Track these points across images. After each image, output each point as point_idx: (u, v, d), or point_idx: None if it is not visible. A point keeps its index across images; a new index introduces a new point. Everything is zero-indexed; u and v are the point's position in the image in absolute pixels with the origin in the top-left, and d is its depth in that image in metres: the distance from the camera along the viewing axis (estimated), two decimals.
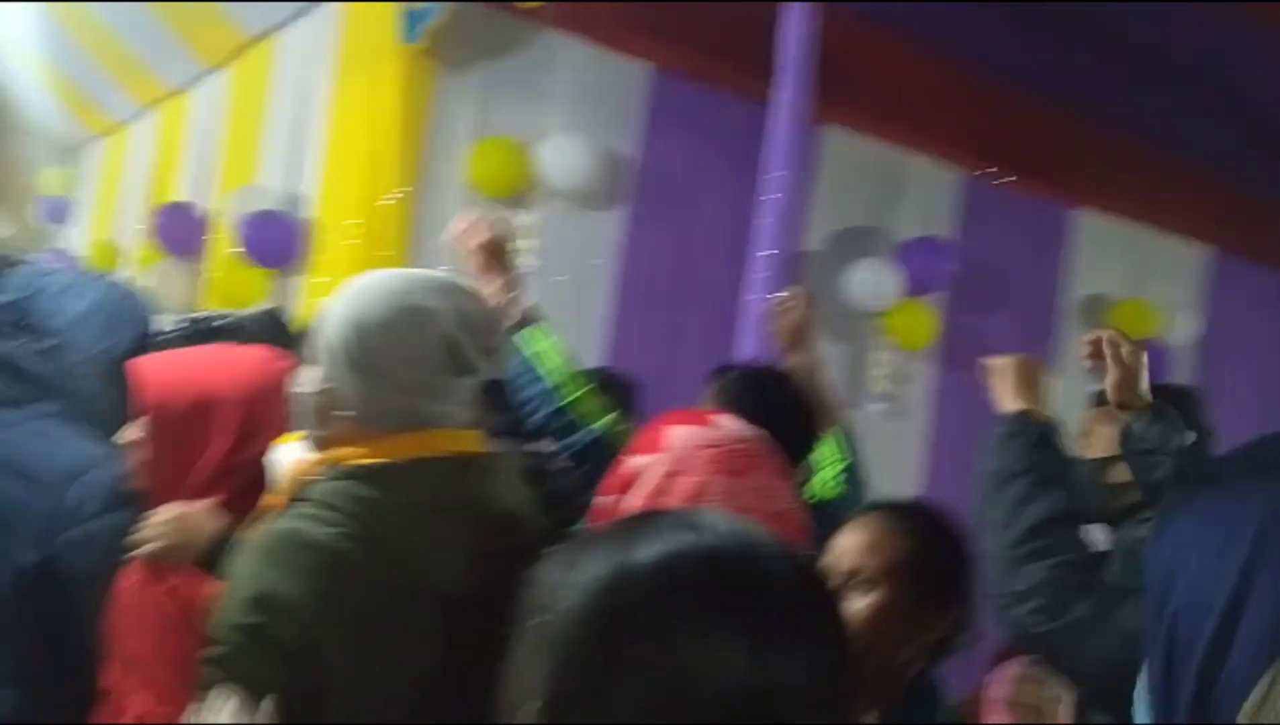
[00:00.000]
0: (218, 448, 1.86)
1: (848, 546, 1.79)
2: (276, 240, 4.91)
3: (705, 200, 5.16)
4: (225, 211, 5.55)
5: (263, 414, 1.89)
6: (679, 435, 1.63)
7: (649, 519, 0.92)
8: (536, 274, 4.69)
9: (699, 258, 5.12)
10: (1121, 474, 2.25)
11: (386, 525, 1.54)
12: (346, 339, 1.62)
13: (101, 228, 8.36)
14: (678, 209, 5.10)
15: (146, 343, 2.13)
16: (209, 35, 6.18)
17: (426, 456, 1.62)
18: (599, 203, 4.93)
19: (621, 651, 0.80)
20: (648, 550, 0.84)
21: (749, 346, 3.72)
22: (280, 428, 1.85)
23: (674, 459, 1.59)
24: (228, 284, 5.23)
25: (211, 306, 5.62)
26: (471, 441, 1.72)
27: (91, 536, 1.82)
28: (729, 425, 1.68)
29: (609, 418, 2.45)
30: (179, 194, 6.61)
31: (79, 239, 8.94)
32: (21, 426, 1.95)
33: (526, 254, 4.65)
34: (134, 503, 1.86)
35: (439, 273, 1.77)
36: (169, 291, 5.99)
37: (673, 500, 1.50)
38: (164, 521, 1.77)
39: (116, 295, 2.18)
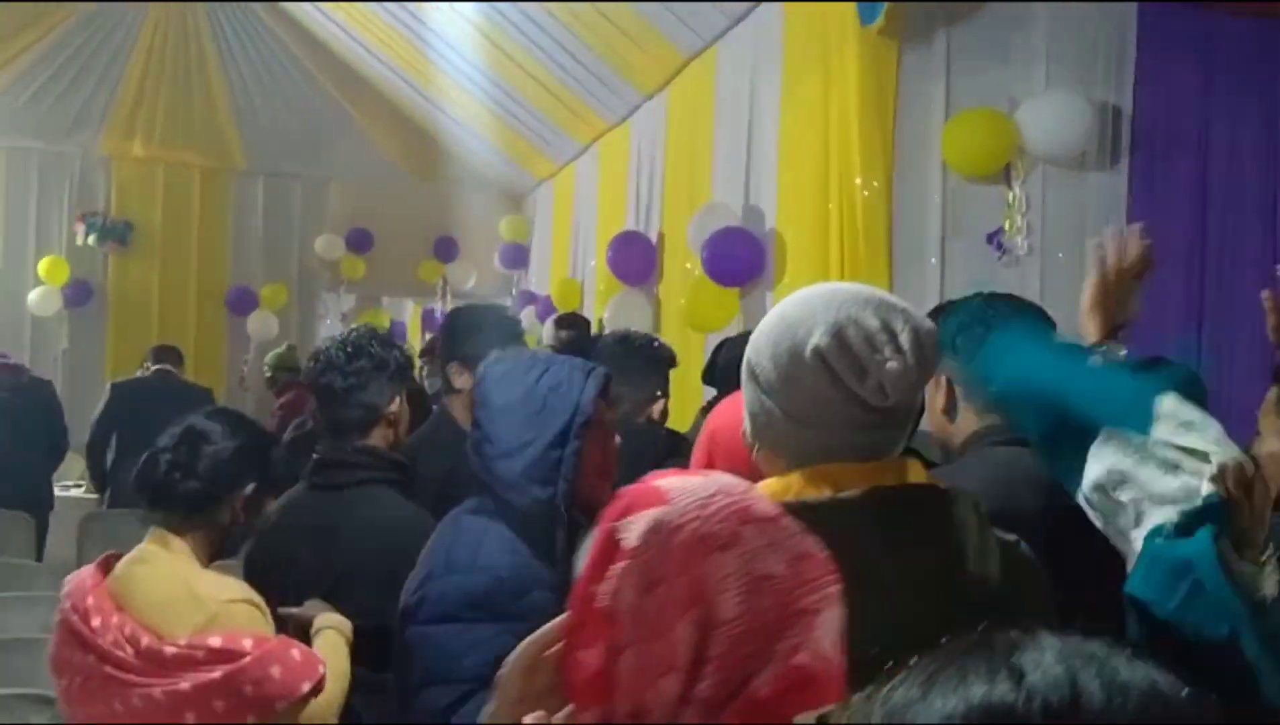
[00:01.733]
0: None
1: None
2: (738, 257, 4.74)
3: (1219, 145, 4.39)
4: (679, 235, 5.47)
5: None
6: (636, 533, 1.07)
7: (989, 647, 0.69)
8: (1035, 253, 4.18)
9: (1218, 215, 4.36)
10: None
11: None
12: (746, 362, 1.42)
13: (560, 267, 8.73)
14: (1188, 159, 4.36)
15: (575, 432, 1.96)
16: (646, 62, 6.20)
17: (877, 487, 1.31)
18: (1097, 164, 4.30)
19: None
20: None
21: None
22: None
23: (643, 567, 1.03)
24: (694, 306, 5.13)
25: (680, 330, 5.56)
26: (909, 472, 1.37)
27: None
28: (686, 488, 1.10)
29: None
30: (627, 224, 6.70)
31: (540, 281, 9.42)
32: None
33: (1019, 232, 4.16)
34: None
35: (857, 287, 1.37)
36: (628, 320, 6.04)
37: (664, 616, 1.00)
38: None
39: (549, 384, 2.01)
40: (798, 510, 1.10)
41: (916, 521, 1.31)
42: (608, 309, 6.23)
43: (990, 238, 4.20)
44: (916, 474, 1.35)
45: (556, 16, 6.29)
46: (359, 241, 10.37)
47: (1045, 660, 0.67)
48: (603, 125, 7.36)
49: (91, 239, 9.77)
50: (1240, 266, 4.28)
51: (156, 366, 6.83)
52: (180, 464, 2.17)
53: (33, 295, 9.47)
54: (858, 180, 4.17)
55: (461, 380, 2.88)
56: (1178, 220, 4.33)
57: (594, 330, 6.79)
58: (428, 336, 11.81)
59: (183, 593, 2.10)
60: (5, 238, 9.65)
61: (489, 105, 8.32)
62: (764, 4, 4.98)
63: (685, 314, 5.16)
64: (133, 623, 2.02)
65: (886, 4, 3.92)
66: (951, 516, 1.32)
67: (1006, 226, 4.17)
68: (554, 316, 7.23)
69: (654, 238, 6.28)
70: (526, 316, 8.87)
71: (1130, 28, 4.33)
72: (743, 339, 2.62)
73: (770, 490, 1.30)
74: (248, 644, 2.01)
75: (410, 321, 12.11)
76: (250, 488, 2.22)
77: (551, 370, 2.03)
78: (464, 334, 3.03)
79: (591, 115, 7.34)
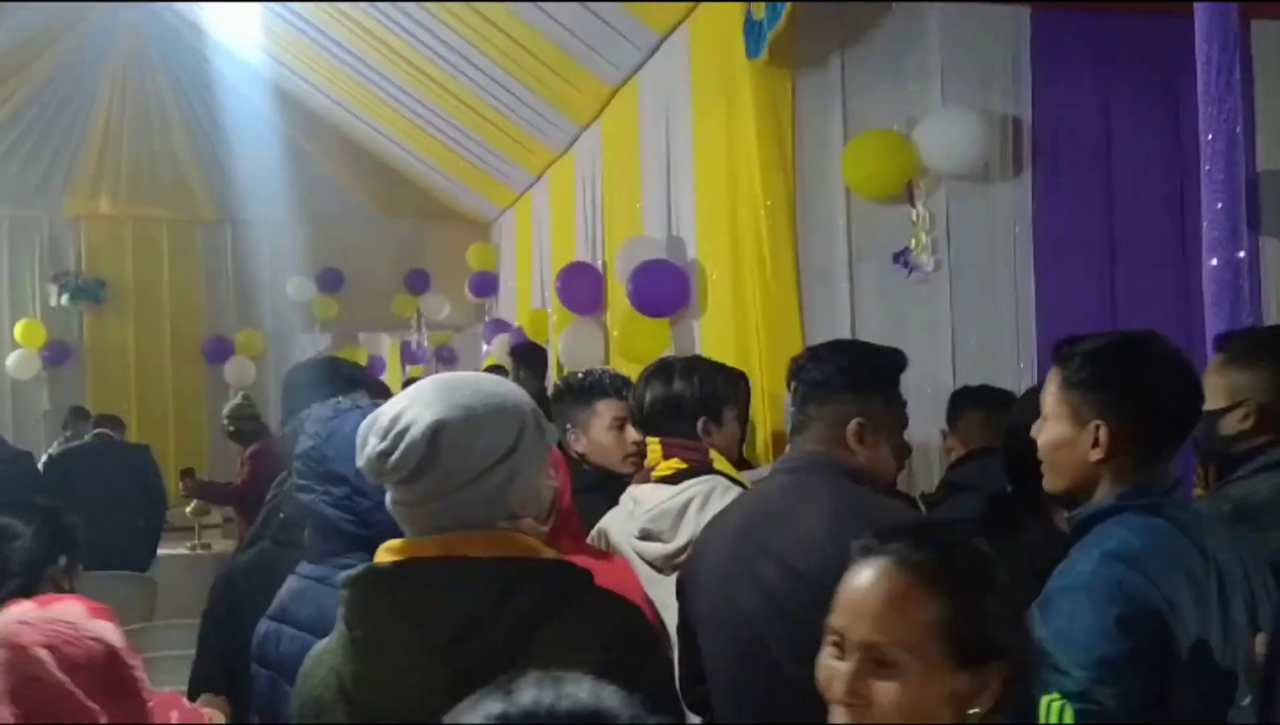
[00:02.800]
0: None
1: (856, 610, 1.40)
2: (663, 289, 4.78)
3: (1119, 149, 4.42)
4: (616, 265, 5.52)
5: None
6: None
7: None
8: (944, 269, 4.21)
9: (1125, 216, 4.39)
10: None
11: None
12: None
13: (525, 296, 8.78)
14: (1091, 163, 4.39)
15: None
16: (575, 94, 6.25)
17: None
18: (1000, 176, 4.34)
19: None
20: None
21: (1221, 318, 2.93)
22: None
23: None
24: (627, 338, 5.17)
25: (617, 362, 5.61)
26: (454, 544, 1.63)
27: None
28: None
29: None
30: (577, 254, 6.75)
31: (509, 309, 9.47)
32: (327, 581, 1.91)
33: (925, 250, 4.19)
34: None
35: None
36: (579, 351, 6.09)
37: None
38: None
39: None
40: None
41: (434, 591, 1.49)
42: (561, 339, 6.27)
43: (897, 257, 4.23)
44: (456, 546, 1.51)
45: (484, 52, 6.34)
46: (330, 281, 10.45)
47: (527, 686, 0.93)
48: (549, 155, 7.42)
49: (65, 299, 9.89)
50: (1147, 265, 4.31)
51: (96, 431, 6.89)
52: None
53: (10, 359, 9.59)
54: (761, 209, 4.20)
55: None
56: (1084, 225, 4.36)
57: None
58: (407, 369, 11.92)
59: None
60: None
61: (442, 140, 8.40)
62: (675, 34, 5.02)
63: (617, 345, 5.21)
64: None
65: (770, 36, 3.95)
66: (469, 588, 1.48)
67: (913, 245, 4.20)
68: (510, 348, 7.31)
69: (601, 268, 6.33)
70: (499, 345, 8.94)
71: (1024, 37, 4.36)
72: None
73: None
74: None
75: (389, 355, 12.16)
76: (63, 562, 2.34)
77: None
78: (294, 394, 2.97)
79: (537, 145, 7.40)
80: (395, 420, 1.52)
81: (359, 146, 9.93)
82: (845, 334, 4.23)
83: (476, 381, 1.60)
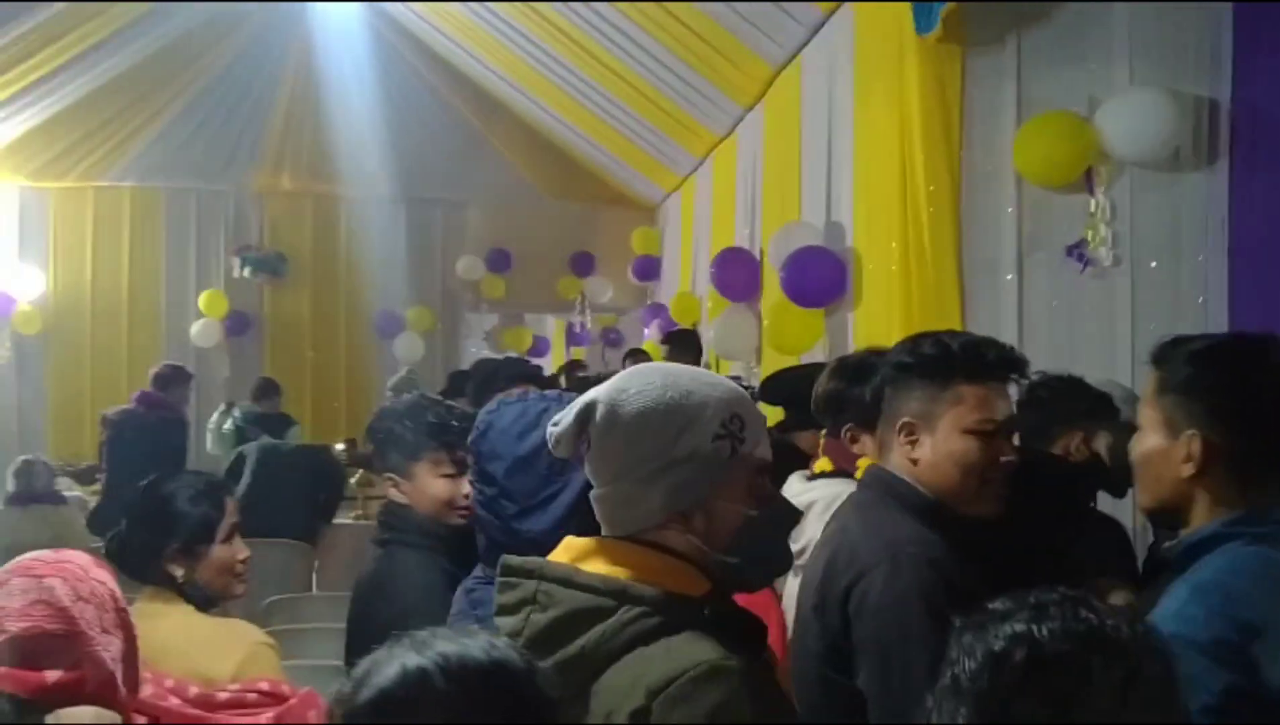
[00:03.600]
0: None
1: None
2: (818, 277, 4.56)
3: None
4: (770, 252, 5.32)
5: None
6: None
7: None
8: (1124, 264, 3.86)
9: None
10: None
11: None
12: None
13: (684, 280, 8.67)
14: None
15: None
16: (739, 75, 6.07)
17: None
18: (1191, 164, 3.93)
19: None
20: None
21: None
22: None
23: None
24: (778, 328, 4.98)
25: (769, 353, 5.42)
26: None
27: None
28: None
29: None
30: (736, 239, 6.58)
31: (670, 294, 9.37)
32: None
33: (1103, 243, 3.85)
34: None
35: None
36: (732, 339, 5.92)
37: None
38: None
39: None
40: None
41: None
42: (713, 327, 6.12)
43: (1071, 250, 3.90)
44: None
45: (650, 33, 6.24)
46: (498, 261, 10.56)
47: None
48: (713, 138, 7.27)
49: (247, 271, 10.28)
50: None
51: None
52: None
53: (195, 327, 10.02)
54: (924, 195, 3.95)
55: None
56: None
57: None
58: (572, 351, 11.97)
59: (215, 634, 2.27)
60: (168, 274, 10.23)
61: (610, 123, 8.37)
62: (839, 11, 4.79)
63: (768, 335, 5.02)
64: (171, 677, 2.09)
65: (944, 9, 3.68)
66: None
67: (1089, 237, 3.86)
68: (663, 334, 7.19)
69: (758, 254, 6.14)
70: (652, 331, 8.85)
71: (1225, 12, 3.94)
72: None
73: None
74: (286, 688, 2.13)
75: (554, 337, 12.24)
76: (223, 525, 2.41)
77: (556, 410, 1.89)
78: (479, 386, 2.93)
79: (700, 128, 7.26)
80: (585, 400, 1.49)
81: (530, 129, 10.01)
82: (1010, 332, 3.94)
83: (678, 374, 1.50)
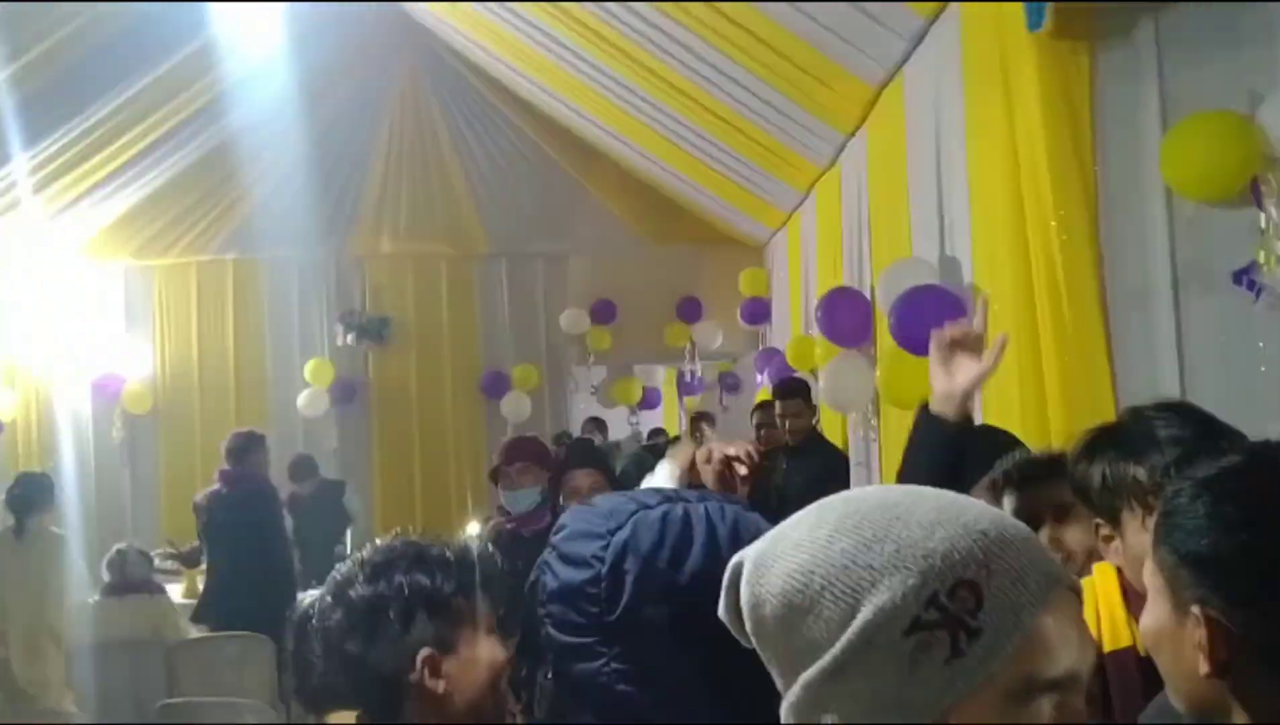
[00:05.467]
0: None
1: None
2: (932, 320, 3.94)
3: None
4: (879, 292, 4.75)
5: None
6: None
7: None
8: None
9: None
10: None
11: None
12: None
13: (794, 323, 8.12)
14: None
15: None
16: (836, 98, 5.53)
17: None
18: None
19: None
20: None
21: None
22: None
23: None
24: (894, 378, 4.39)
25: (885, 405, 4.83)
26: None
27: None
28: None
29: None
30: (844, 278, 6.01)
31: (782, 337, 8.83)
32: None
33: (1278, 267, 3.18)
34: None
35: None
36: (845, 388, 5.34)
37: None
38: None
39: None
40: None
41: None
42: (822, 376, 5.55)
43: (1239, 276, 3.23)
44: None
45: (740, 63, 5.76)
46: (603, 312, 10.18)
47: None
48: (814, 170, 6.73)
49: (351, 338, 10.10)
50: None
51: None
52: None
53: (302, 397, 9.85)
54: (1053, 220, 3.34)
55: None
56: None
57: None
58: (685, 400, 11.46)
59: None
60: (273, 343, 10.11)
61: (709, 162, 7.93)
62: (944, 14, 4.22)
63: (883, 386, 4.43)
64: None
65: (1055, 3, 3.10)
66: None
67: (1261, 259, 3.18)
68: (775, 383, 6.62)
69: (868, 292, 5.56)
70: (765, 378, 8.29)
71: None
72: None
73: None
74: None
75: (664, 386, 11.77)
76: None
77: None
78: None
79: (800, 160, 6.73)
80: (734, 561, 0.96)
81: (627, 174, 9.69)
82: (1170, 377, 3.30)
83: (871, 507, 0.90)
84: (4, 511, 6.37)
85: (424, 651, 1.63)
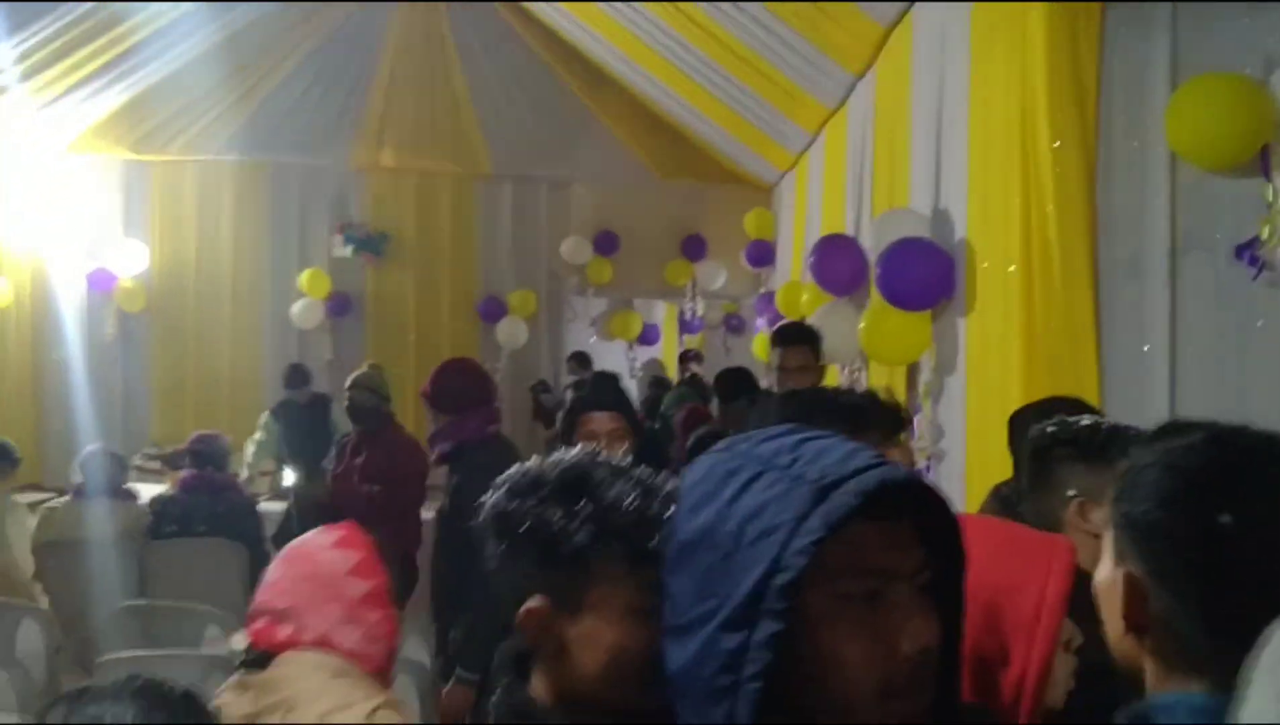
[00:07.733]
0: None
1: None
2: (920, 275, 3.82)
3: None
4: (866, 243, 4.60)
5: None
6: None
7: None
8: None
9: None
10: None
11: None
12: None
13: (794, 269, 7.95)
14: None
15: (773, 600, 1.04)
16: (847, 37, 5.32)
17: None
18: None
19: None
20: None
21: None
22: None
23: None
24: (877, 333, 4.25)
25: (871, 356, 4.70)
26: None
27: None
28: None
29: None
30: (846, 225, 5.84)
31: (784, 282, 8.67)
32: None
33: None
34: None
35: None
36: (834, 339, 5.19)
37: None
38: None
39: (750, 509, 1.09)
40: None
41: None
42: (811, 322, 5.40)
43: (1241, 250, 3.07)
44: None
45: None
46: (605, 243, 10.01)
47: None
48: (824, 110, 6.52)
49: (349, 250, 9.96)
50: None
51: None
52: None
53: (296, 307, 9.73)
54: (1051, 178, 3.18)
55: None
56: None
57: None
58: (685, 339, 11.32)
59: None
60: (271, 251, 9.96)
61: (719, 95, 7.71)
62: None
63: (864, 340, 4.29)
64: None
65: None
66: None
67: (1265, 234, 3.01)
68: (776, 327, 6.44)
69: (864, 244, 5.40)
70: (762, 324, 8.15)
71: None
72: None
73: None
74: None
75: (664, 323, 11.63)
76: None
77: (758, 483, 1.09)
78: None
79: (810, 100, 6.52)
80: None
81: (638, 104, 9.44)
82: (1160, 352, 3.16)
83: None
84: None
85: (532, 600, 1.34)
